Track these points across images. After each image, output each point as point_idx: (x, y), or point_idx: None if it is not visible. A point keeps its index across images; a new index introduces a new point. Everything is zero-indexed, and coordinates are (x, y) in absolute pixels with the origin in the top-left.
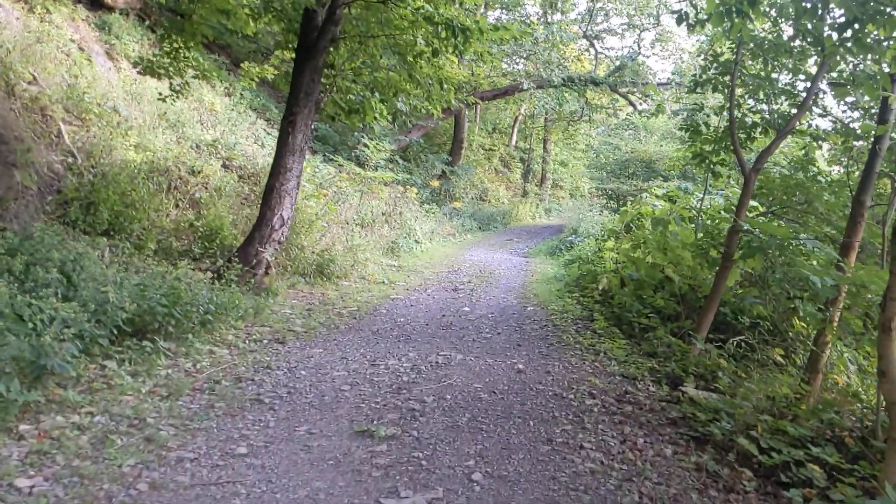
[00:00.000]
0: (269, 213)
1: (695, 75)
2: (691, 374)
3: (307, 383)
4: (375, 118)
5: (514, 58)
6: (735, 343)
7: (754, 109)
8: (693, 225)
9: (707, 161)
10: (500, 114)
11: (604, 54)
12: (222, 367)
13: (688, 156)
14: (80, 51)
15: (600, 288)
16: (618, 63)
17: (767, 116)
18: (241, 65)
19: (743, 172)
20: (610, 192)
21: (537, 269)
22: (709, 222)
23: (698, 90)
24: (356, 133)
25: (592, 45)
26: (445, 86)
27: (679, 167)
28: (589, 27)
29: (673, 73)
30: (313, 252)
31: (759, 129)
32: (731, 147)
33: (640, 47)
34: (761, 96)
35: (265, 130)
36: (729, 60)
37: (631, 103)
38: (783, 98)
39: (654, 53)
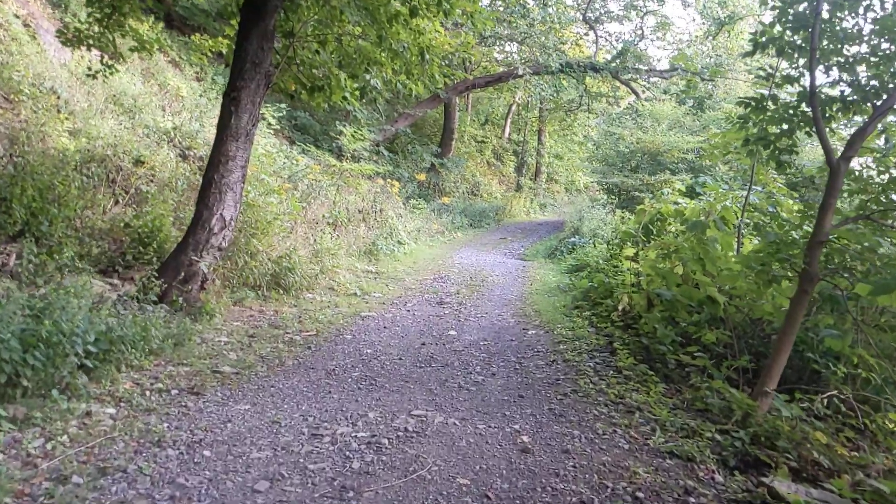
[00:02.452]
0: (207, 213)
1: (754, 34)
2: (781, 457)
3: (205, 476)
4: (345, 97)
5: (509, 42)
6: (825, 401)
7: (835, 80)
8: (735, 230)
9: (772, 147)
10: (492, 103)
11: (604, 37)
12: (90, 443)
13: (718, 144)
14: (26, 27)
15: (620, 308)
16: (619, 48)
17: (855, 87)
18: (192, 37)
19: (829, 162)
20: (612, 187)
21: (536, 276)
22: (773, 228)
23: (757, 54)
24: (339, 122)
25: (592, 28)
26: (427, 56)
27: (715, 158)
28: (588, 10)
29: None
30: (269, 259)
31: (836, 106)
32: (806, 128)
33: (643, 31)
34: (850, 60)
35: None
36: (803, 14)
37: (633, 91)
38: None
39: (656, 37)
